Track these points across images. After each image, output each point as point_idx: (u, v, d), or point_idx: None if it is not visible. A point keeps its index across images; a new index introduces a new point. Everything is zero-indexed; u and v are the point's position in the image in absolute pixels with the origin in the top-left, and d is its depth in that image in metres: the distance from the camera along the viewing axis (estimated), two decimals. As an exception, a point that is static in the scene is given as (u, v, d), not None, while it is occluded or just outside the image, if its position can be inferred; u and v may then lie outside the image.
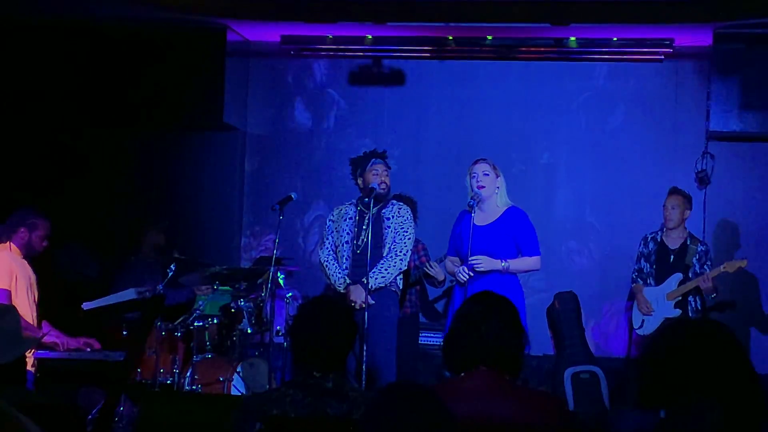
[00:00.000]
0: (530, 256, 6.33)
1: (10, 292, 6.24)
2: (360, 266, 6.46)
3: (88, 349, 6.44)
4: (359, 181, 6.71)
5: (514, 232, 6.29)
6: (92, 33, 8.35)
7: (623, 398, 7.66)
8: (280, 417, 3.41)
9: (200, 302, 7.21)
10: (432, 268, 7.47)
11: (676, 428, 2.51)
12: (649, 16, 7.75)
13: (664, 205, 7.55)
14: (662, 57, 8.40)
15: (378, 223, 6.53)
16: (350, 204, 6.79)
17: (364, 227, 6.56)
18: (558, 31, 8.17)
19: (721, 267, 7.26)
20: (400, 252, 6.54)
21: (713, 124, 8.09)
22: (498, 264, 6.22)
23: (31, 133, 8.50)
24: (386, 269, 6.49)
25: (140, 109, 8.43)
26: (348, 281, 6.54)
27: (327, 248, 6.73)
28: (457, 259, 6.44)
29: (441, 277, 7.55)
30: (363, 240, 6.54)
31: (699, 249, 7.44)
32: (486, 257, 6.21)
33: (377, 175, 6.59)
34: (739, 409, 2.48)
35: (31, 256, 6.49)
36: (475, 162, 6.43)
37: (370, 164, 6.63)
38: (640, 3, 7.59)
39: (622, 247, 8.13)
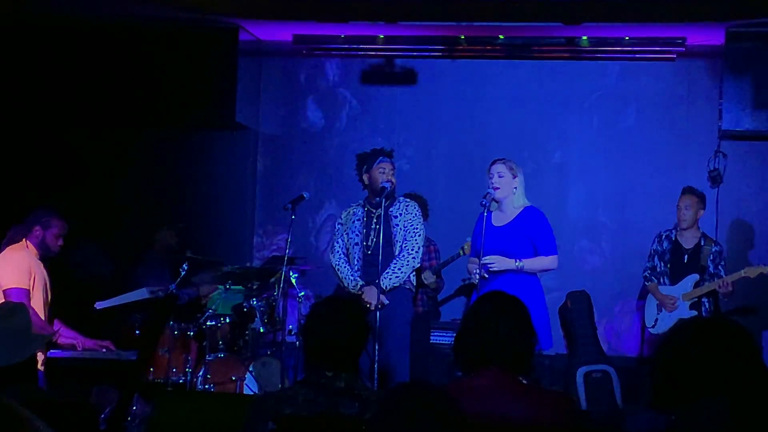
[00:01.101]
0: (546, 255, 6.31)
1: (28, 291, 6.17)
2: (372, 266, 6.45)
3: (104, 350, 6.45)
4: (364, 178, 6.68)
5: (530, 232, 6.27)
6: (105, 33, 8.38)
7: (636, 397, 7.64)
8: (292, 416, 3.41)
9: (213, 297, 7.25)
10: (427, 278, 7.59)
11: (689, 428, 2.50)
12: (662, 15, 7.74)
13: (677, 205, 7.50)
14: (674, 56, 8.37)
15: (386, 221, 6.52)
16: (357, 205, 6.78)
17: (373, 227, 6.56)
18: (570, 30, 8.15)
19: (742, 272, 7.19)
20: (412, 250, 6.54)
21: (726, 123, 8.06)
22: (512, 263, 6.20)
23: (45, 132, 8.54)
24: (399, 268, 6.48)
25: (153, 109, 8.46)
26: (361, 283, 6.55)
27: (337, 251, 6.72)
28: (476, 259, 6.44)
29: (434, 286, 7.72)
30: (373, 240, 6.54)
31: (713, 249, 7.41)
32: (499, 257, 6.20)
33: (384, 173, 6.57)
34: (752, 409, 2.48)
35: (47, 256, 6.46)
36: (493, 162, 6.41)
37: (377, 162, 6.60)
38: (652, 2, 7.57)
39: (635, 246, 8.11)
